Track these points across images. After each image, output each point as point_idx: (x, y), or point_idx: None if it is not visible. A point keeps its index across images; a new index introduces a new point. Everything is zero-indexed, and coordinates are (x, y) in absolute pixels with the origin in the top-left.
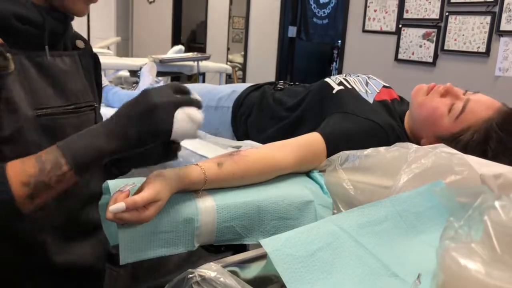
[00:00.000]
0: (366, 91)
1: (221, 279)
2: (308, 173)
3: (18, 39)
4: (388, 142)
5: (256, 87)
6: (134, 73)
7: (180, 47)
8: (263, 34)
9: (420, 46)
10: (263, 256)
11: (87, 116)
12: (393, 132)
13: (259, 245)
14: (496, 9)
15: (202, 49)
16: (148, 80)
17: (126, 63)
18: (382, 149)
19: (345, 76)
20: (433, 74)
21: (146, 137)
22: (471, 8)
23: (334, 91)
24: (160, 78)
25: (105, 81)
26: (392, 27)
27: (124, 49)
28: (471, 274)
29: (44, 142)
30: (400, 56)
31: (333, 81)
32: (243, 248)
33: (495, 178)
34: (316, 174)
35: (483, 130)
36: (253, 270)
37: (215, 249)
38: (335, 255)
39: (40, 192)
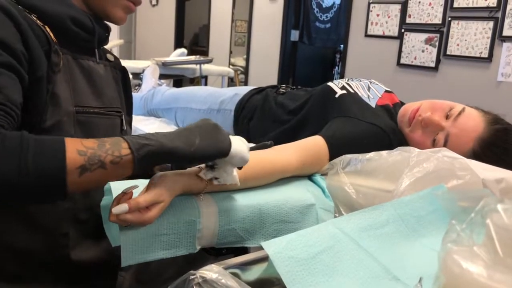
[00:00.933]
0: (368, 96)
1: (223, 280)
2: (310, 176)
3: (68, 40)
4: (390, 146)
5: (259, 91)
6: (137, 75)
7: (183, 50)
8: (265, 38)
9: (423, 51)
10: (265, 259)
11: (115, 120)
12: (395, 136)
13: (260, 248)
14: (499, 14)
15: (205, 52)
16: (150, 82)
17: (128, 65)
18: (384, 153)
19: (348, 80)
20: (435, 78)
21: (207, 148)
22: (473, 13)
23: (336, 95)
24: (162, 80)
25: None
26: (394, 31)
27: (127, 52)
28: (473, 277)
29: (79, 136)
30: (402, 61)
31: (336, 85)
32: (244, 251)
33: (497, 183)
34: (318, 178)
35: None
36: (254, 272)
37: (216, 252)
38: (337, 258)
39: (93, 167)
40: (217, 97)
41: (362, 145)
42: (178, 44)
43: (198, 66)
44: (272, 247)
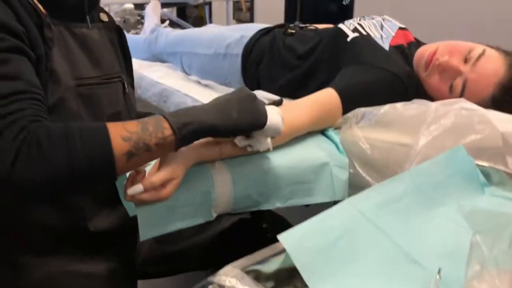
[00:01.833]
0: (382, 35)
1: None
2: (323, 131)
3: (58, 9)
4: (405, 92)
5: (266, 31)
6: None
7: None
8: None
9: None
10: (283, 251)
11: (117, 86)
12: (410, 81)
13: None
14: None
15: None
16: (153, 20)
17: None
18: (399, 105)
19: (359, 20)
20: None
21: (244, 121)
22: None
23: (348, 39)
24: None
25: None
26: None
27: None
28: None
29: (82, 110)
30: None
31: (347, 27)
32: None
33: None
34: (331, 133)
35: (489, 106)
36: (275, 263)
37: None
38: (354, 243)
39: (139, 152)
40: (223, 39)
41: (377, 94)
42: None
43: None
44: (288, 239)
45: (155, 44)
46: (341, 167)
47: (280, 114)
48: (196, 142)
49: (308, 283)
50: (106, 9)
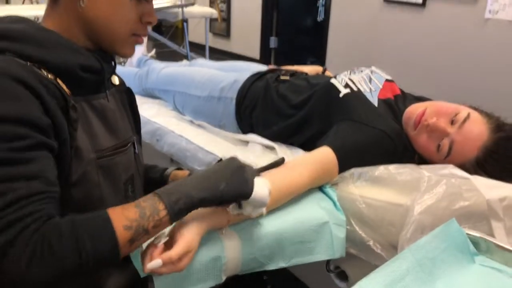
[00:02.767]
0: (370, 89)
1: None
2: (320, 187)
3: (79, 86)
4: (396, 150)
5: (259, 76)
6: None
7: None
8: None
9: None
10: None
11: (130, 151)
12: (400, 141)
13: None
14: None
15: None
16: (139, 50)
17: None
18: (392, 168)
19: (350, 74)
20: (422, 16)
21: (230, 193)
22: None
23: (340, 95)
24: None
25: None
26: None
27: None
28: None
29: (102, 181)
30: None
31: (339, 83)
32: None
33: (500, 202)
34: (328, 190)
35: (472, 168)
36: None
37: None
38: None
39: (139, 237)
40: (217, 83)
41: (369, 152)
42: None
43: (180, 9)
44: None
45: (146, 80)
46: (339, 225)
47: (268, 186)
48: (206, 211)
49: None
50: None
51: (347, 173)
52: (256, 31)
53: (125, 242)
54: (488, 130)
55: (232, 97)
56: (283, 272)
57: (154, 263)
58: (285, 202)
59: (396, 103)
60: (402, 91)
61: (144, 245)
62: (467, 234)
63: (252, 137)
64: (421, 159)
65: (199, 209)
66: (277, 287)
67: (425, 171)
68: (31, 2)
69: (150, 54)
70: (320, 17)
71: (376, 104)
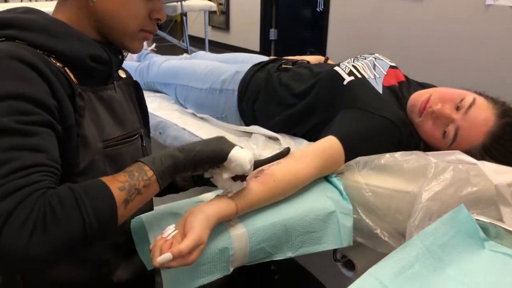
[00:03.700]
0: (375, 75)
1: None
2: (326, 177)
3: (87, 76)
4: (401, 138)
5: (260, 67)
6: None
7: None
8: None
9: None
10: None
11: (137, 142)
12: (405, 128)
13: None
14: None
15: None
16: None
17: None
18: (398, 155)
19: (354, 61)
20: (423, 4)
21: (207, 153)
22: None
23: (344, 82)
24: (149, 49)
25: None
26: None
27: None
28: None
29: (109, 170)
30: None
31: (343, 70)
32: None
33: (508, 187)
34: (334, 179)
35: (478, 154)
36: None
37: None
38: None
39: (133, 196)
40: (218, 75)
41: (375, 140)
42: None
43: (179, 3)
44: None
45: (147, 74)
46: (346, 214)
47: (250, 155)
48: (214, 203)
49: None
50: None
51: (352, 162)
52: (256, 23)
53: (121, 203)
54: (494, 116)
55: (234, 89)
56: (290, 262)
57: (164, 256)
58: (293, 192)
59: (401, 90)
60: (406, 78)
61: (151, 238)
62: (476, 219)
63: (255, 128)
64: (426, 146)
65: (208, 201)
66: (284, 277)
67: (431, 157)
68: (30, 0)
69: (150, 48)
70: (319, 8)
71: (380, 91)
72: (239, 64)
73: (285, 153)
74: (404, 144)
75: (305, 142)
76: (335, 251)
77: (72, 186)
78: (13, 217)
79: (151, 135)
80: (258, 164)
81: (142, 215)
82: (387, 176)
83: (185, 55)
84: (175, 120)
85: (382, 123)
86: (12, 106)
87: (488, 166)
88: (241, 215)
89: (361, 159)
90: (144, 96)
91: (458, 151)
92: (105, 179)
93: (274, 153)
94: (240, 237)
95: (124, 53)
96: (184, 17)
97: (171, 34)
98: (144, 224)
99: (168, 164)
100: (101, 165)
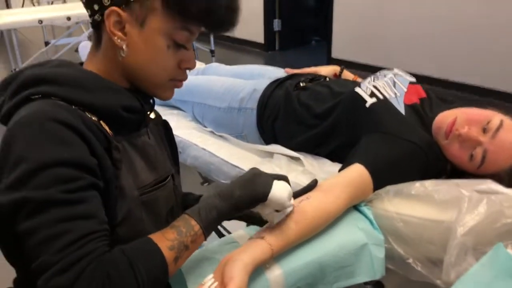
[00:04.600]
0: (396, 94)
1: None
2: (355, 206)
3: (121, 125)
4: (428, 162)
5: (278, 84)
6: None
7: None
8: None
9: None
10: None
11: (169, 183)
12: (431, 151)
13: None
14: None
15: None
16: None
17: None
18: (428, 184)
19: (374, 81)
20: None
21: (245, 198)
22: None
23: (367, 105)
24: None
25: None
26: None
27: None
28: None
29: (145, 216)
30: None
31: (364, 92)
32: None
33: None
34: (364, 208)
35: (507, 177)
36: None
37: None
38: None
39: (182, 254)
40: (235, 93)
41: (403, 169)
42: None
43: None
44: None
45: None
46: (378, 245)
47: (289, 189)
48: (251, 250)
49: None
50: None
51: (381, 191)
52: (259, 14)
53: (171, 261)
54: None
55: (253, 107)
56: None
57: None
58: (324, 227)
59: (423, 107)
60: (427, 93)
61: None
62: None
63: (275, 147)
64: (453, 168)
65: (242, 247)
66: None
67: (463, 189)
68: (33, 5)
69: None
70: None
71: (403, 111)
72: (255, 79)
73: (312, 186)
74: (431, 167)
75: (328, 162)
76: None
77: (125, 251)
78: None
79: None
80: None
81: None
82: (418, 205)
83: (197, 65)
84: (194, 139)
85: (409, 148)
86: (57, 174)
87: None
88: (276, 256)
89: (390, 188)
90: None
91: (489, 180)
92: (155, 238)
93: (298, 176)
94: (277, 279)
95: None
96: None
97: None
98: (181, 272)
99: (213, 216)
100: (138, 213)
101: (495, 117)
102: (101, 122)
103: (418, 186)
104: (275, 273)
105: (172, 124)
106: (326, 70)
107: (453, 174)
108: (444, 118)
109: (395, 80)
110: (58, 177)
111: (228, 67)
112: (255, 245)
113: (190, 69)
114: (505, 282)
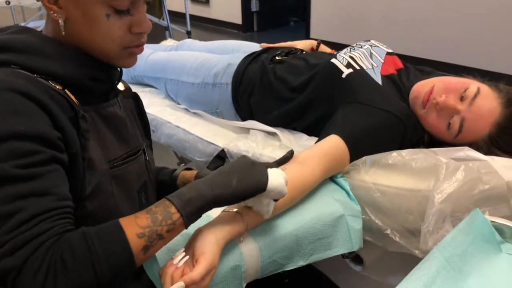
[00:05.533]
0: (372, 65)
1: None
2: (332, 178)
3: (88, 95)
4: (406, 131)
5: (253, 58)
6: None
7: None
8: None
9: None
10: None
11: (141, 158)
12: (409, 121)
13: None
14: None
15: None
16: None
17: None
18: (405, 153)
19: (350, 52)
20: None
21: (244, 188)
22: None
23: (343, 75)
24: None
25: None
26: None
27: None
28: None
29: (116, 190)
30: None
31: (341, 63)
32: None
33: None
34: (341, 180)
35: (485, 145)
36: None
37: None
38: None
39: (154, 243)
40: (209, 68)
41: (380, 136)
42: None
43: None
44: None
45: (133, 67)
46: (355, 216)
47: (284, 176)
48: (222, 221)
49: None
50: None
51: (359, 161)
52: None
53: (139, 250)
54: (499, 105)
55: (227, 82)
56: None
57: (177, 286)
58: (300, 198)
59: (400, 78)
60: (404, 64)
61: (161, 261)
62: (491, 222)
63: (252, 123)
64: (431, 138)
65: (215, 220)
66: (292, 275)
67: (441, 157)
68: None
69: None
70: None
71: (380, 81)
72: (230, 54)
73: (289, 157)
74: (408, 137)
75: (305, 136)
76: None
77: (86, 233)
78: (24, 270)
79: None
80: None
81: None
82: (395, 175)
83: (171, 43)
84: (168, 117)
85: (386, 118)
86: (13, 148)
87: (498, 162)
88: (251, 230)
89: (367, 158)
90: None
91: (466, 148)
92: (125, 222)
93: (274, 151)
94: (251, 252)
95: None
96: None
97: (150, 12)
98: None
99: (198, 205)
100: (108, 186)
101: (472, 84)
102: (66, 91)
103: (395, 156)
104: (250, 246)
105: (144, 102)
106: (303, 44)
107: (431, 144)
108: (421, 87)
109: (372, 51)
110: (12, 151)
111: (202, 42)
112: (228, 218)
113: (143, 33)
114: (481, 246)
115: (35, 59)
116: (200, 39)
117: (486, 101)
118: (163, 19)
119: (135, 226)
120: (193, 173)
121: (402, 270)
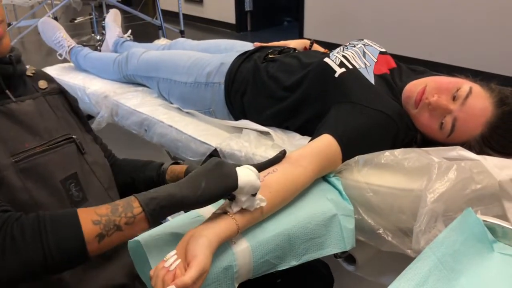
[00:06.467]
0: (365, 64)
1: None
2: (324, 177)
3: None
4: (398, 131)
5: (246, 57)
6: None
7: None
8: None
9: None
10: None
11: (68, 149)
12: (402, 121)
13: None
14: None
15: None
16: (114, 31)
17: None
18: (398, 153)
19: (343, 51)
20: None
21: (214, 189)
22: None
23: (336, 75)
24: (126, 35)
25: (72, 42)
26: None
27: None
28: None
29: (29, 184)
30: None
31: (333, 62)
32: None
33: (511, 182)
34: (333, 179)
35: (477, 145)
36: None
37: None
38: None
39: (110, 232)
40: (202, 67)
41: (373, 136)
42: None
43: None
44: None
45: (126, 66)
46: (348, 216)
47: (255, 171)
48: (215, 226)
49: None
50: None
51: (351, 161)
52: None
53: (93, 237)
54: (491, 105)
55: (220, 82)
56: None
57: None
58: (292, 198)
59: (393, 77)
60: (397, 64)
61: (152, 263)
62: (484, 221)
63: (245, 123)
64: (423, 138)
65: (207, 221)
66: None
67: (433, 156)
68: None
69: (126, 35)
70: None
71: (372, 81)
72: (223, 53)
73: (281, 157)
74: (401, 137)
75: (298, 136)
76: None
77: (40, 215)
78: None
79: (135, 132)
80: None
81: (138, 236)
82: (388, 174)
83: (164, 42)
84: (160, 116)
85: (378, 117)
86: None
87: (490, 161)
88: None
89: (360, 158)
90: (125, 91)
91: (459, 147)
92: (82, 210)
93: (267, 150)
94: (243, 253)
95: (97, 43)
96: None
97: (143, 11)
98: (142, 247)
99: (164, 205)
100: (15, 180)
101: (464, 84)
102: None
103: (388, 155)
104: (242, 246)
105: (136, 101)
106: (296, 43)
107: (424, 143)
108: (414, 87)
109: (365, 50)
110: None
111: (195, 42)
112: (220, 220)
113: None
114: (473, 246)
115: None
116: (194, 39)
117: (478, 100)
118: (156, 18)
119: (92, 214)
120: (183, 167)
121: (394, 269)
